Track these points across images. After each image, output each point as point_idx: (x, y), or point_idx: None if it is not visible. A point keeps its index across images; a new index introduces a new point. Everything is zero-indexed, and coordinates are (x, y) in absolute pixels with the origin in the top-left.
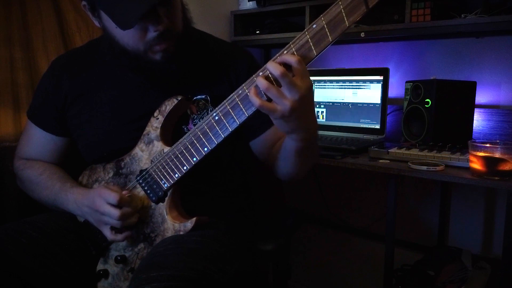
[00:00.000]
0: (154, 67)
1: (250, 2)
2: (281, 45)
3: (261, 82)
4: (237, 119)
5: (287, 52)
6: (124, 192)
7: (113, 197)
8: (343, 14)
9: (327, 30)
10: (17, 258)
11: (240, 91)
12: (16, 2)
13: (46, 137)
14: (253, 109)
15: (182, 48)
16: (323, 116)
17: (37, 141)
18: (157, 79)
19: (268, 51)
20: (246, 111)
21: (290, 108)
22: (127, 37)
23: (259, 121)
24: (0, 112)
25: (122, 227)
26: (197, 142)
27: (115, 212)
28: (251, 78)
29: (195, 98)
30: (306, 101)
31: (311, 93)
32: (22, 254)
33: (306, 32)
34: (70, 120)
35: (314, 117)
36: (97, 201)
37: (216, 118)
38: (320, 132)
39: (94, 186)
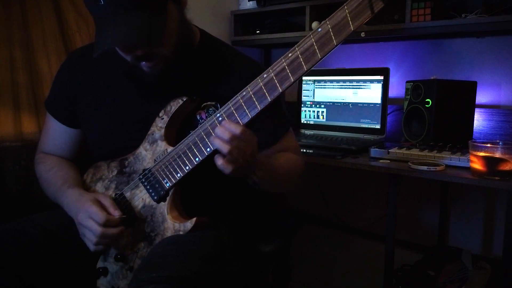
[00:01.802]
0: (144, 77)
1: (250, 2)
2: (281, 45)
3: (221, 145)
4: (240, 120)
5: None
6: (116, 213)
7: (100, 217)
8: (349, 18)
9: (332, 34)
10: (17, 257)
11: (244, 93)
12: (16, 2)
13: (61, 129)
14: (257, 110)
15: (176, 64)
16: (323, 116)
17: (53, 133)
18: (152, 87)
19: (268, 51)
20: (249, 112)
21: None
22: (118, 49)
23: (266, 135)
24: (0, 112)
25: (97, 243)
26: (200, 143)
27: (96, 229)
28: (255, 80)
29: (204, 104)
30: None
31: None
32: (22, 252)
33: (311, 36)
34: (80, 113)
35: (256, 162)
36: (80, 215)
37: (220, 119)
38: (320, 132)
39: (98, 184)
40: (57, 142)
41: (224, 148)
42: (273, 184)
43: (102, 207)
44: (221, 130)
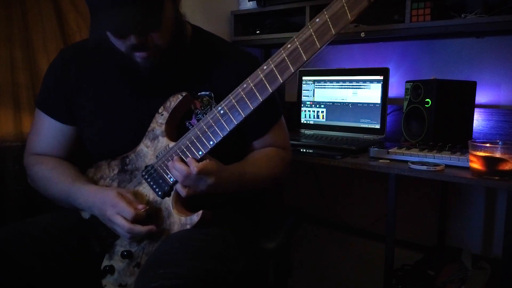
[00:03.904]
0: (138, 69)
1: (250, 2)
2: (281, 45)
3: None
4: (242, 112)
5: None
6: (140, 207)
7: (128, 212)
8: (345, 8)
9: (330, 24)
10: (21, 259)
11: (245, 85)
12: (16, 2)
13: (55, 127)
14: (258, 101)
15: (170, 57)
16: (323, 116)
17: (46, 132)
18: (145, 79)
19: (268, 51)
20: (251, 104)
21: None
22: (112, 38)
23: (257, 125)
24: (0, 112)
25: (130, 237)
26: (203, 136)
27: (125, 225)
28: (255, 72)
29: (199, 94)
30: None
31: (211, 182)
32: (25, 254)
33: (310, 26)
34: (76, 111)
35: (222, 190)
36: (109, 210)
37: (222, 111)
38: (320, 132)
39: (99, 183)
40: (51, 142)
41: (181, 181)
42: (248, 187)
43: (128, 202)
44: (179, 166)
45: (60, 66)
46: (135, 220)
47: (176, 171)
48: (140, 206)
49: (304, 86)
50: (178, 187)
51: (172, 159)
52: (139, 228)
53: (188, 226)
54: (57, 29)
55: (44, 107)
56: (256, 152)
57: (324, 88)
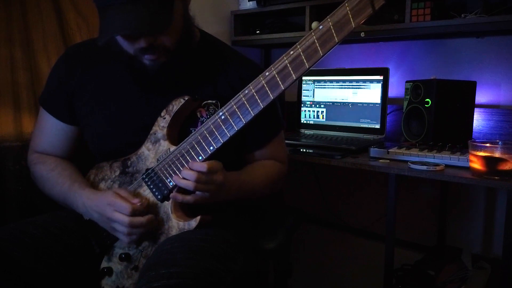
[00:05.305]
0: (145, 69)
1: (250, 2)
2: (281, 45)
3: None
4: (243, 118)
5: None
6: (135, 201)
7: (125, 208)
8: (350, 15)
9: (333, 31)
10: (21, 258)
11: (247, 91)
12: (16, 2)
13: (57, 126)
14: (259, 108)
15: (177, 58)
16: (323, 116)
17: (48, 131)
18: (152, 81)
19: (268, 51)
20: (252, 110)
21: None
22: (121, 40)
23: (257, 137)
24: (0, 112)
25: (130, 234)
26: (203, 141)
27: (125, 219)
28: (257, 78)
29: (205, 102)
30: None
31: (220, 181)
32: (26, 254)
33: (313, 33)
34: (78, 109)
35: (224, 195)
36: (107, 209)
37: (223, 117)
38: (320, 132)
39: (101, 185)
40: (53, 140)
41: (193, 187)
42: (245, 197)
43: (124, 198)
44: (188, 172)
45: (64, 65)
46: (133, 214)
47: (184, 180)
48: (135, 200)
49: (304, 86)
50: (190, 197)
51: (181, 156)
52: (139, 219)
53: (186, 231)
54: (57, 29)
55: (47, 105)
56: (254, 163)
57: (324, 88)
